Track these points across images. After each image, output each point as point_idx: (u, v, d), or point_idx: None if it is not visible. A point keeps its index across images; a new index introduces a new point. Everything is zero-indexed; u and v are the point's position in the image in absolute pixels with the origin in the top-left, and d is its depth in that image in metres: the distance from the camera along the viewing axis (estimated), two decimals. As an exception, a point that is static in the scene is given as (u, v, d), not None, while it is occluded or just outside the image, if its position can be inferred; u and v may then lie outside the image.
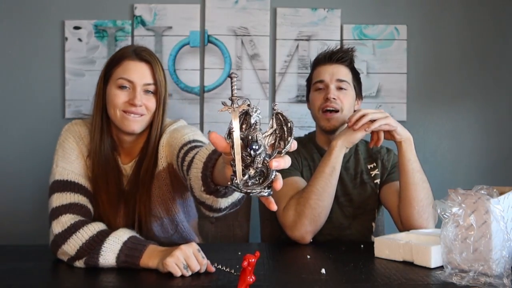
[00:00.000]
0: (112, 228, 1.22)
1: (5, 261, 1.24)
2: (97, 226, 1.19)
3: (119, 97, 1.31)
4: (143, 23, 2.25)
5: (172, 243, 1.22)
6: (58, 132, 1.43)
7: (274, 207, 0.72)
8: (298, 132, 1.78)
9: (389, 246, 1.22)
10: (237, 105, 0.69)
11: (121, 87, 1.31)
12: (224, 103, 0.69)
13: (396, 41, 2.30)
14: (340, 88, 1.57)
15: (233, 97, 0.69)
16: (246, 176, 0.69)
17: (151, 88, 1.33)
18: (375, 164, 1.63)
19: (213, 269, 1.09)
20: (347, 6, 2.30)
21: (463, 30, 2.33)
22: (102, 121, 1.36)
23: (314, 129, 1.73)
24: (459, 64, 2.33)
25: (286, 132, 0.70)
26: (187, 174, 1.07)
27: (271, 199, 0.72)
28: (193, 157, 1.06)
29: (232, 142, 0.68)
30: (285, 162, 0.68)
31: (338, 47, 1.68)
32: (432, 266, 1.12)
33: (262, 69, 2.27)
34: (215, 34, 2.27)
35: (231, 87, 0.70)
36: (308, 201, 1.41)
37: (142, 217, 1.34)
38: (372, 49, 2.28)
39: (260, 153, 0.68)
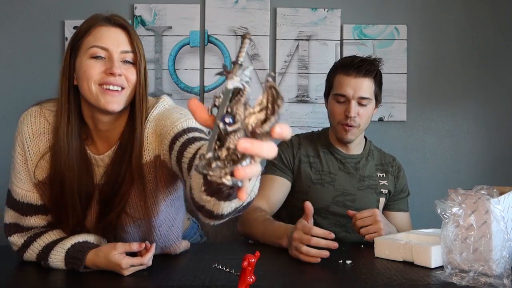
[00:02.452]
0: (81, 228, 1.16)
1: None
2: (45, 240, 1.15)
3: (94, 68, 1.08)
4: (143, 23, 2.25)
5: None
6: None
7: (243, 196, 0.55)
8: (298, 132, 1.77)
9: (389, 246, 1.22)
10: (240, 72, 0.56)
11: (95, 57, 1.09)
12: (224, 67, 0.57)
13: (396, 41, 2.29)
14: (361, 104, 1.54)
15: (236, 61, 0.56)
16: (211, 153, 0.54)
17: (130, 57, 1.13)
18: (384, 175, 1.65)
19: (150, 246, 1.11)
20: (347, 6, 2.30)
21: (463, 30, 2.33)
22: (70, 103, 1.12)
23: (314, 129, 1.72)
24: (459, 64, 2.33)
25: (272, 109, 0.54)
26: (188, 173, 0.91)
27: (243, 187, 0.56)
28: (195, 153, 0.92)
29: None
30: (260, 148, 0.50)
31: (365, 56, 1.59)
32: (432, 266, 1.12)
33: (262, 69, 2.27)
34: (215, 34, 2.27)
35: (240, 48, 0.57)
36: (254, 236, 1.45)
37: (117, 217, 1.15)
38: (372, 49, 2.28)
39: (235, 131, 0.54)
